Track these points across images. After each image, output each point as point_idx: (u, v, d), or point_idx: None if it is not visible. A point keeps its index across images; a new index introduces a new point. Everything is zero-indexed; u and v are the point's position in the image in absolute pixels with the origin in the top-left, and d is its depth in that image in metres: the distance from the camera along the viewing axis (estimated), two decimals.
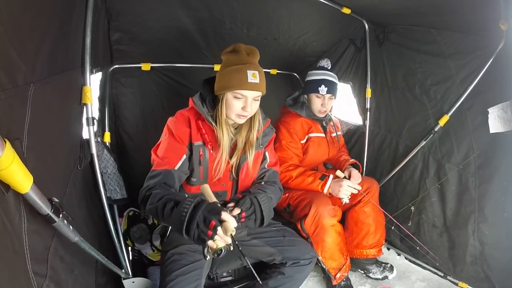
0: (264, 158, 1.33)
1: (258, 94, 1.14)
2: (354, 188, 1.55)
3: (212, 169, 1.20)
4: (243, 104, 1.12)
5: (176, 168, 1.13)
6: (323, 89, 1.68)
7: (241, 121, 1.17)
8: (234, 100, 1.12)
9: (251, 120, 1.21)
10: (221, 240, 0.89)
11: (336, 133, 1.90)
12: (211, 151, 1.18)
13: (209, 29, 1.80)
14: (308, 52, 2.26)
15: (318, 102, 1.72)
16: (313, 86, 1.71)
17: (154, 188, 1.06)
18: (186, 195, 1.02)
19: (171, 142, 1.15)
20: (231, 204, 1.09)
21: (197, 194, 1.10)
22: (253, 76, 1.09)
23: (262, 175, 1.33)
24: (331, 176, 1.58)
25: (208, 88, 1.20)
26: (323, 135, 1.80)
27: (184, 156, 1.15)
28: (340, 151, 1.96)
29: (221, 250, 0.89)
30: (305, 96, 1.78)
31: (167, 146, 1.15)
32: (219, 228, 0.88)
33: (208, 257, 0.95)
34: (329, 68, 1.79)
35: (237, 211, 1.05)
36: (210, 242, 0.89)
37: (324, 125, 1.84)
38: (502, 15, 1.15)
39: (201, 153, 1.17)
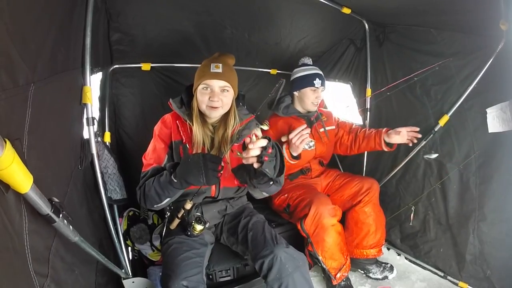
0: None
1: (223, 84, 1.18)
2: (300, 133, 1.45)
3: None
4: (209, 94, 1.17)
5: (163, 165, 1.21)
6: (318, 81, 1.74)
7: (214, 113, 1.20)
8: (202, 91, 1.18)
9: (227, 118, 1.24)
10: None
11: (325, 128, 1.83)
12: (191, 148, 1.22)
13: (209, 33, 1.79)
14: (309, 53, 2.25)
15: (313, 95, 1.75)
16: (307, 81, 1.75)
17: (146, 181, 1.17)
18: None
19: (156, 144, 1.24)
20: (255, 137, 0.95)
21: (189, 191, 1.19)
22: (216, 67, 1.17)
23: None
24: (285, 145, 1.55)
25: (188, 91, 1.29)
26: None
27: (168, 153, 1.23)
28: (352, 132, 1.87)
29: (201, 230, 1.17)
30: (295, 93, 1.79)
31: (153, 148, 1.24)
32: None
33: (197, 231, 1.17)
34: (311, 64, 1.86)
35: (264, 142, 0.92)
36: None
37: (312, 120, 1.83)
38: (502, 15, 1.15)
39: (181, 150, 1.22)
